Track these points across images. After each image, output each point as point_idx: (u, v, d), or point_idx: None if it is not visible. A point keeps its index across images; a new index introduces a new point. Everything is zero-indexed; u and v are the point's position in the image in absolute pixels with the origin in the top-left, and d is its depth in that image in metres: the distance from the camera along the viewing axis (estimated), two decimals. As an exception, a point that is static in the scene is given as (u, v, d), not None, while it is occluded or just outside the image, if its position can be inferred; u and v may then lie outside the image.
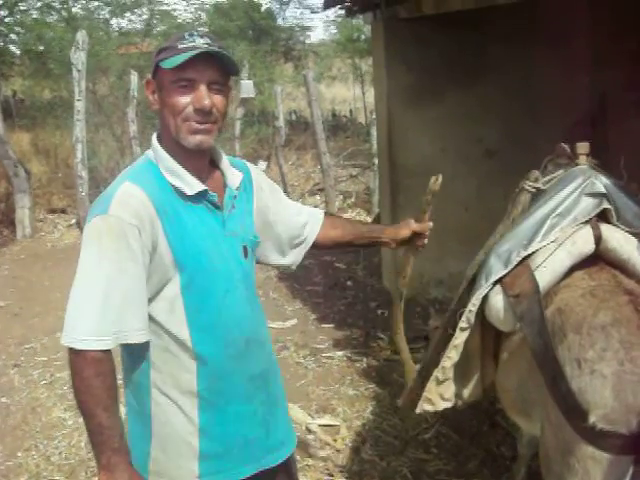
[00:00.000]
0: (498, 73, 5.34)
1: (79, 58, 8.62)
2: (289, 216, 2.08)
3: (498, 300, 2.26)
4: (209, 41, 1.73)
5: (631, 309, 2.02)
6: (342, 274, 6.78)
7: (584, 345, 1.96)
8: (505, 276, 2.27)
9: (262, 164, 10.72)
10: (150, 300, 1.70)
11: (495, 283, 2.29)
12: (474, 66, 5.37)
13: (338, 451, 3.60)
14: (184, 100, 1.72)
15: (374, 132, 10.82)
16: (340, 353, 4.88)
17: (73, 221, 9.42)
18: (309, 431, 3.79)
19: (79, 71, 8.64)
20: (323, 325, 5.49)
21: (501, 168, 5.09)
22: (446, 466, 3.41)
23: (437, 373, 2.40)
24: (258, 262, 2.04)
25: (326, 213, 2.22)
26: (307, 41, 22.58)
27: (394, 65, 5.42)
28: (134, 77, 10.48)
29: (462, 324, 2.34)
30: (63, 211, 10.02)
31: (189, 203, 1.75)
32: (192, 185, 1.76)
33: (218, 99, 1.75)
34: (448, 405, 2.47)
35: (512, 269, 2.27)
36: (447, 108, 5.43)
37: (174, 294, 1.72)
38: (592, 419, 1.82)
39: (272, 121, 12.83)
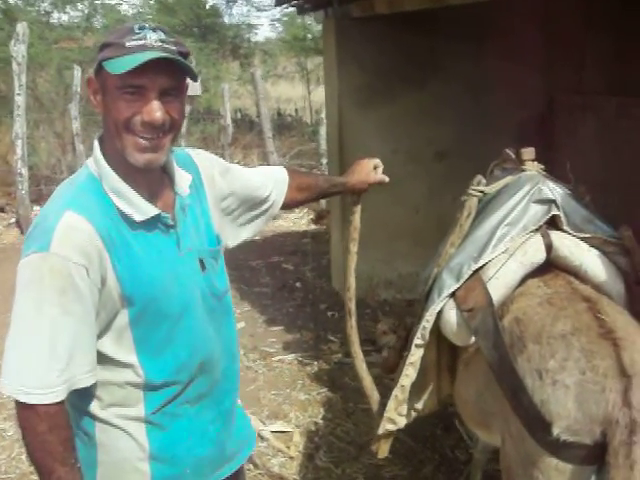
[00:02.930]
0: (451, 74, 5.35)
1: (19, 51, 8.33)
2: (250, 191, 1.94)
3: (452, 315, 2.23)
4: (163, 36, 1.50)
5: (590, 317, 2.02)
6: (290, 275, 6.71)
7: (544, 355, 1.95)
8: (458, 290, 2.25)
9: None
10: (97, 337, 1.54)
11: (449, 297, 2.26)
12: (427, 67, 5.38)
13: (292, 458, 3.54)
14: (130, 110, 1.49)
15: (322, 132, 10.82)
16: (290, 356, 4.82)
17: (12, 220, 9.10)
18: (261, 438, 3.71)
19: (19, 64, 8.36)
20: (272, 328, 5.42)
21: (452, 170, 5.10)
22: (401, 471, 3.39)
23: (396, 392, 2.35)
24: (227, 247, 1.92)
25: (292, 173, 2.10)
26: (253, 39, 22.43)
27: (346, 65, 5.38)
28: (77, 72, 10.19)
29: (417, 341, 2.29)
30: (1, 210, 9.68)
31: (139, 230, 1.56)
32: (142, 210, 1.56)
33: (173, 107, 1.54)
34: (407, 421, 2.44)
35: (464, 282, 2.25)
36: (399, 109, 5.42)
37: (122, 326, 1.56)
38: (556, 431, 1.81)
39: (217, 119, 12.67)
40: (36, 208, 8.80)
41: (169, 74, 1.51)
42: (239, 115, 16.99)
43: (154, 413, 1.64)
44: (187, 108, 11.18)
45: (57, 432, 1.47)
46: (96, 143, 1.61)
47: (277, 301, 6.02)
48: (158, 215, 1.59)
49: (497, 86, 5.31)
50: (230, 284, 1.87)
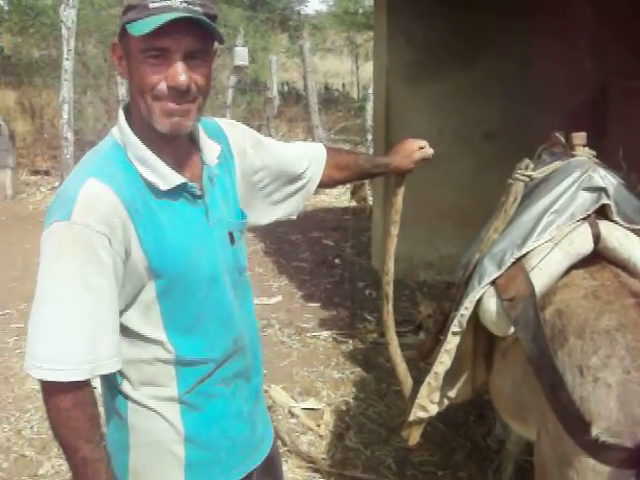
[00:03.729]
0: (501, 53, 5.20)
1: (69, 15, 8.39)
2: (284, 166, 1.85)
3: (492, 303, 2.14)
4: None
5: (637, 312, 1.92)
6: (330, 251, 6.67)
7: (587, 351, 1.86)
8: (499, 278, 2.16)
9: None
10: (123, 311, 1.47)
11: (489, 285, 2.17)
12: (477, 45, 5.24)
13: (321, 437, 3.51)
14: (155, 75, 1.41)
15: (368, 107, 10.70)
16: (326, 333, 4.79)
17: (57, 184, 9.22)
18: (292, 415, 3.70)
19: (69, 29, 8.41)
20: (309, 304, 5.39)
21: (499, 150, 4.97)
22: (432, 457, 3.33)
23: (429, 379, 2.28)
24: (259, 225, 1.87)
25: (331, 151, 2.01)
26: (303, 12, 22.24)
27: (395, 40, 5.27)
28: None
29: (454, 328, 2.21)
30: (47, 173, 9.82)
31: (165, 198, 1.48)
32: (168, 178, 1.48)
33: (198, 72, 1.44)
34: (439, 409, 2.37)
35: (506, 270, 2.16)
36: (448, 87, 5.31)
37: (149, 299, 1.49)
38: (595, 431, 1.73)
39: (264, 91, 12.64)
40: (81, 173, 8.91)
41: (195, 36, 1.42)
42: (286, 88, 16.94)
43: (188, 392, 1.57)
44: (234, 78, 11.17)
45: (82, 408, 1.41)
46: (120, 111, 1.54)
47: (315, 277, 5.98)
48: (184, 184, 1.51)
49: (549, 65, 5.14)
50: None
